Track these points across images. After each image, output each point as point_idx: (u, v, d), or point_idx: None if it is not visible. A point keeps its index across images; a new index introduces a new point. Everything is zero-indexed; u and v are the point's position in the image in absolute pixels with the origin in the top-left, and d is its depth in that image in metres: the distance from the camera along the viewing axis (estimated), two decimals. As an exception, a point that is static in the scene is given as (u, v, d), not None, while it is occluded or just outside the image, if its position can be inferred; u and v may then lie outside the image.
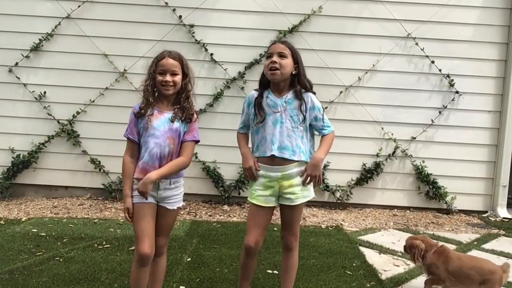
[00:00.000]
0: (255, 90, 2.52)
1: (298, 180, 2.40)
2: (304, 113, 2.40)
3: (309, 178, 2.39)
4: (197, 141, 2.43)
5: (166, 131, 2.31)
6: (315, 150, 2.47)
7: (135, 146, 2.35)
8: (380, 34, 5.21)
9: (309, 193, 2.45)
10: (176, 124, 2.33)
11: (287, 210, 2.45)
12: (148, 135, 2.30)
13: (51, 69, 5.19)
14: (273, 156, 2.37)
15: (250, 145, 2.55)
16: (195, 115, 2.40)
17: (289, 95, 2.42)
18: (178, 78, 2.33)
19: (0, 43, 5.16)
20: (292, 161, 2.38)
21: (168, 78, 2.30)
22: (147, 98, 2.32)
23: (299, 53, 2.45)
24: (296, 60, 2.42)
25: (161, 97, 2.36)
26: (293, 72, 2.42)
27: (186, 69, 2.36)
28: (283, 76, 2.39)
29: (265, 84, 2.48)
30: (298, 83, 2.43)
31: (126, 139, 2.37)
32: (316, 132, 2.54)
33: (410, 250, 2.94)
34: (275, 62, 2.35)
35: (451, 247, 3.92)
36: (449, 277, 2.77)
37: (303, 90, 2.44)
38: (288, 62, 2.38)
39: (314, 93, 2.49)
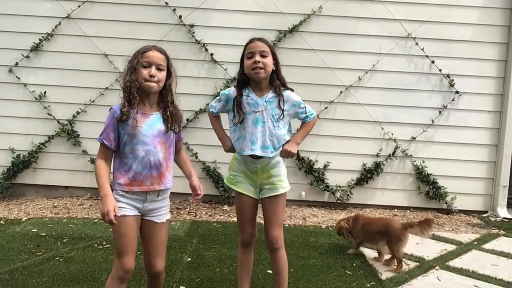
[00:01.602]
0: (234, 86, 2.51)
1: (275, 171, 2.47)
2: (283, 109, 2.43)
3: (285, 152, 2.45)
4: None
5: (156, 136, 2.10)
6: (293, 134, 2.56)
7: (109, 152, 2.09)
8: (380, 34, 5.21)
9: (286, 184, 2.51)
10: (164, 127, 2.13)
11: (268, 202, 2.48)
12: (136, 143, 2.07)
13: (51, 69, 5.19)
14: (253, 155, 2.41)
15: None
16: (183, 119, 2.27)
17: (270, 94, 2.45)
18: (163, 75, 2.10)
19: (0, 43, 5.16)
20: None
21: (154, 71, 2.05)
22: (129, 98, 2.04)
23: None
24: (275, 57, 2.45)
25: (142, 97, 2.11)
26: (273, 69, 2.44)
27: (171, 67, 2.16)
28: (267, 74, 2.42)
29: (243, 82, 2.47)
30: (277, 78, 2.47)
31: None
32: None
33: (340, 232, 3.65)
34: (259, 62, 2.36)
35: (451, 247, 3.94)
36: (360, 235, 3.48)
37: (282, 88, 2.47)
38: (270, 60, 2.41)
39: (292, 90, 2.53)
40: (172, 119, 2.15)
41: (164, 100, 2.15)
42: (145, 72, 2.06)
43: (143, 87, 2.08)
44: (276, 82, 2.45)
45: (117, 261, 2.08)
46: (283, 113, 2.43)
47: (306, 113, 2.53)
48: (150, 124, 2.10)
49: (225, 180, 2.61)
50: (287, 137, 2.50)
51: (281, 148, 2.47)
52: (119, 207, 2.04)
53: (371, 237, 3.44)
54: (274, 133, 2.42)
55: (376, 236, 3.39)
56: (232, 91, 2.50)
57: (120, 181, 2.09)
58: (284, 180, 2.50)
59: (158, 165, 2.11)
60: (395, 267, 3.30)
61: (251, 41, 2.46)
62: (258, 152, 2.39)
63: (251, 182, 2.48)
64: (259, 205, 2.55)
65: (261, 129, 2.40)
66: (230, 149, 2.54)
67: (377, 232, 3.38)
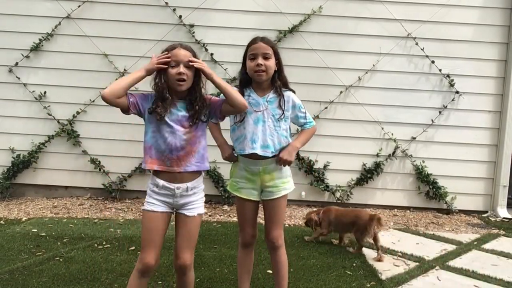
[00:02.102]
0: (236, 86, 2.50)
1: (278, 173, 2.46)
2: (283, 109, 2.42)
3: (281, 161, 2.43)
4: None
5: (180, 120, 2.14)
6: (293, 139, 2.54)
7: (125, 99, 2.08)
8: (380, 34, 5.20)
9: (290, 185, 2.52)
10: (189, 116, 2.17)
11: (270, 204, 2.48)
12: (163, 123, 2.12)
13: (51, 69, 5.19)
14: (253, 154, 2.40)
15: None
16: (207, 97, 2.24)
17: (271, 94, 2.44)
18: (191, 72, 2.12)
19: (0, 43, 5.16)
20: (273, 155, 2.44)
21: (182, 69, 2.07)
22: (162, 95, 2.10)
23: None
24: (277, 56, 2.44)
25: (171, 94, 2.15)
26: (275, 69, 2.43)
27: None
28: (269, 76, 2.41)
29: (245, 82, 2.47)
30: (279, 79, 2.46)
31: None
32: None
33: (309, 223, 3.89)
34: (262, 65, 2.35)
35: (451, 247, 3.94)
36: (331, 226, 3.75)
37: (284, 89, 2.46)
38: (272, 62, 2.40)
39: (294, 92, 2.52)
40: (197, 113, 2.17)
41: (191, 93, 2.18)
42: (173, 72, 2.09)
43: (173, 87, 2.12)
44: (277, 82, 2.44)
45: (140, 254, 2.14)
46: (283, 113, 2.43)
47: (306, 118, 2.53)
48: (178, 109, 2.15)
49: (228, 187, 2.60)
50: (289, 139, 2.49)
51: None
52: (150, 202, 2.15)
53: (344, 227, 3.73)
54: (274, 133, 2.42)
55: (349, 226, 3.68)
56: None
57: (145, 159, 2.15)
58: (287, 182, 2.50)
59: (180, 148, 2.14)
60: (355, 250, 3.67)
61: (255, 41, 2.43)
62: (259, 151, 2.39)
63: (254, 186, 2.46)
64: (260, 205, 2.55)
65: (261, 128, 2.40)
66: (229, 157, 2.52)
67: (350, 222, 3.67)
